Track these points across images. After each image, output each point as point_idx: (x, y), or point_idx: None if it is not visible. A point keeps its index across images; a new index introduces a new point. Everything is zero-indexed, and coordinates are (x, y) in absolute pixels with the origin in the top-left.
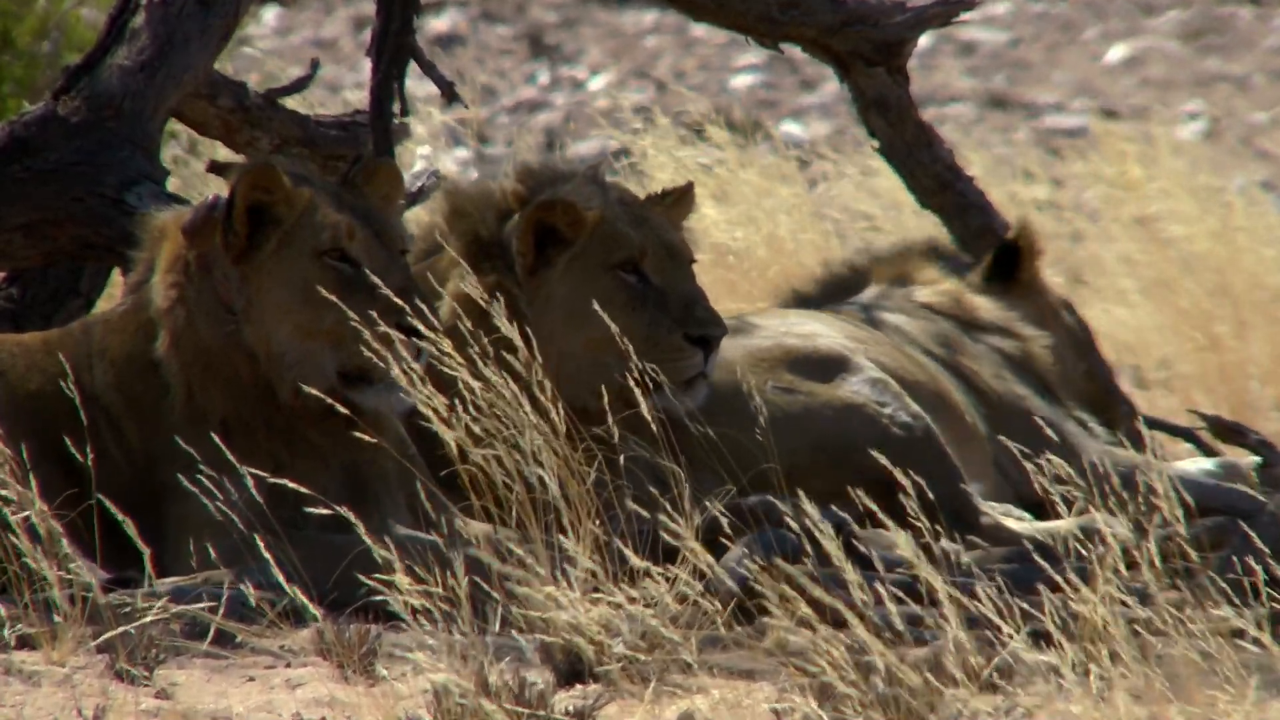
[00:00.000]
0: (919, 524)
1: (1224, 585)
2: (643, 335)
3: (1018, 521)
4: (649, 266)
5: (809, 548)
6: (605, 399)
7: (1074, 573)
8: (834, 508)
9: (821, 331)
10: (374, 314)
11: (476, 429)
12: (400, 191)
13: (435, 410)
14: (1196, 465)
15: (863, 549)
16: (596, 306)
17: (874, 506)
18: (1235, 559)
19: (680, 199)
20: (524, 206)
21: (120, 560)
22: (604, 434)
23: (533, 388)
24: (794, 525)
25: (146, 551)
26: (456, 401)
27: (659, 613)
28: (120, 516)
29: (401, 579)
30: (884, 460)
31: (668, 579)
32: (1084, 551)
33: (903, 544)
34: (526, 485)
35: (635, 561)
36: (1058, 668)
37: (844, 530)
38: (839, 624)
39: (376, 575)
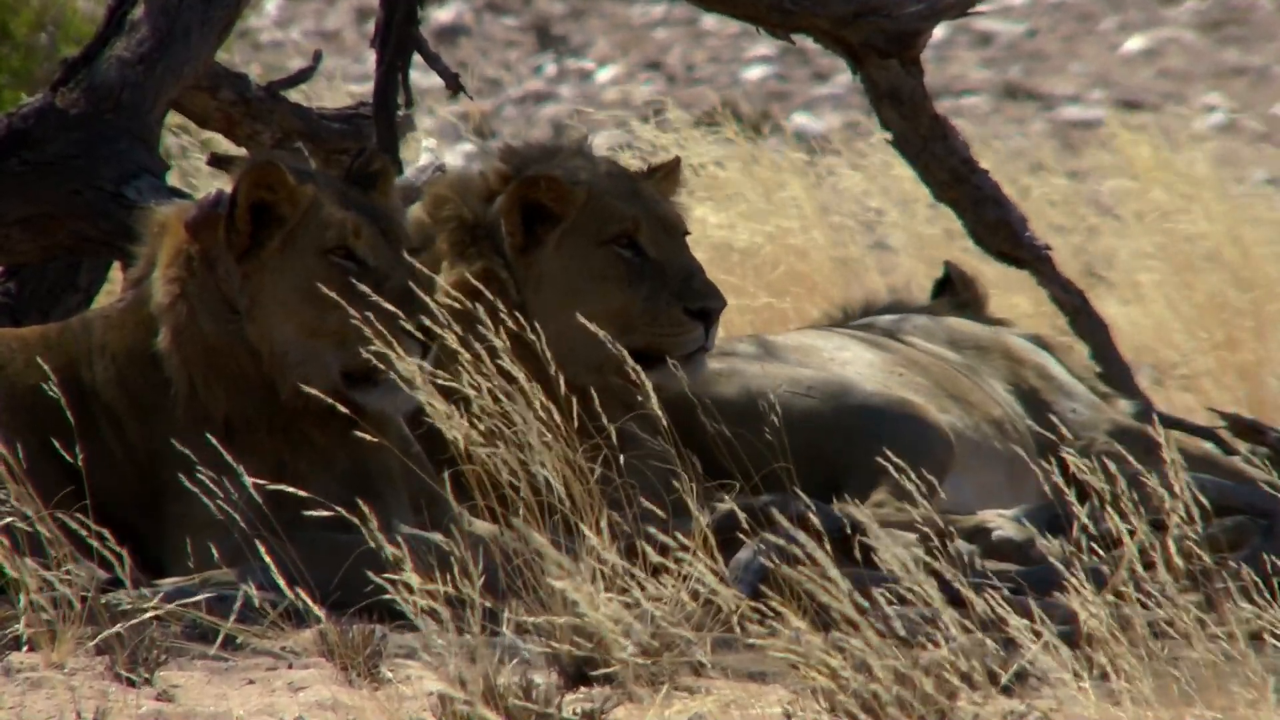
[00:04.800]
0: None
1: (1247, 584)
2: (640, 310)
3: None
4: (644, 240)
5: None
6: (604, 380)
7: (1090, 575)
8: (849, 510)
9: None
10: (381, 311)
11: (479, 430)
12: (393, 187)
13: (445, 408)
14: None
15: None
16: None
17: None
18: (1256, 558)
19: (668, 174)
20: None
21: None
22: (609, 428)
23: (535, 386)
24: (808, 524)
25: (115, 555)
26: (462, 400)
27: (673, 610)
28: (100, 528)
29: (406, 580)
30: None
31: (680, 577)
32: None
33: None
34: (533, 487)
35: (653, 556)
36: (1074, 670)
37: (856, 532)
38: (851, 625)
39: (381, 575)
